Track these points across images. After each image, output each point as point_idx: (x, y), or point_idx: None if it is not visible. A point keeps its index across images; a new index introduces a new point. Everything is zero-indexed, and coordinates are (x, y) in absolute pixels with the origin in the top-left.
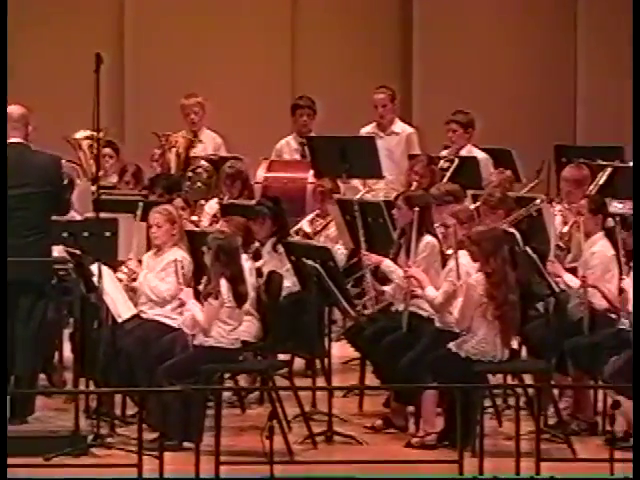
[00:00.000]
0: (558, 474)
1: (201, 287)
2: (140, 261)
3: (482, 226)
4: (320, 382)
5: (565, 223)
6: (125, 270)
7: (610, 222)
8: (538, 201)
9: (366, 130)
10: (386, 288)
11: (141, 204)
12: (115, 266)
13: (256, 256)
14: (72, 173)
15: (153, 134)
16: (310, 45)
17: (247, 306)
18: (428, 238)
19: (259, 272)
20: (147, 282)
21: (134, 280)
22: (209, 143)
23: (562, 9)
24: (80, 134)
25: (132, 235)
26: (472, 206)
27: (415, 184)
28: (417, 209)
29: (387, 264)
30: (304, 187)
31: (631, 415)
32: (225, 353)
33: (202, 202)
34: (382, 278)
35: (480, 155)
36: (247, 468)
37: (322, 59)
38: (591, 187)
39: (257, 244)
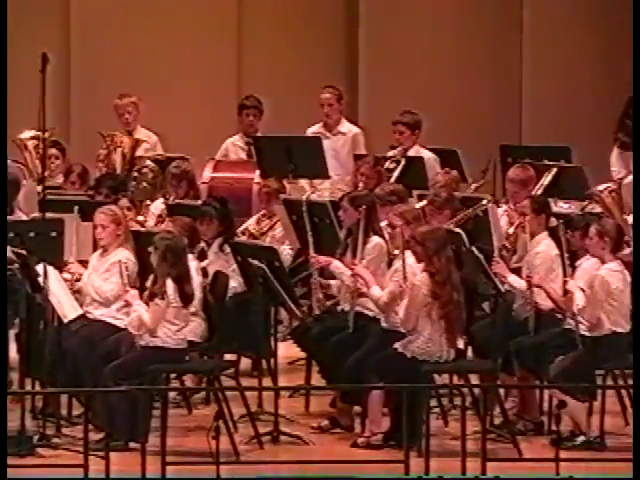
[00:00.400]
0: (504, 474)
1: (147, 286)
2: (81, 262)
3: (426, 226)
4: (266, 382)
5: (511, 224)
6: (71, 270)
7: (554, 222)
8: (484, 201)
9: (313, 130)
10: (332, 282)
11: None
12: (61, 266)
13: (201, 256)
14: (18, 174)
15: (98, 134)
16: (256, 45)
17: (195, 306)
18: (376, 239)
19: (204, 272)
20: (91, 282)
21: (77, 281)
22: None
23: (508, 10)
24: (26, 134)
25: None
26: (418, 206)
27: (361, 185)
28: (362, 209)
29: (336, 265)
30: (250, 187)
31: (576, 415)
32: (171, 353)
33: (148, 202)
34: (328, 277)
35: (427, 155)
36: (193, 468)
37: (268, 59)
38: (536, 187)
39: (202, 244)
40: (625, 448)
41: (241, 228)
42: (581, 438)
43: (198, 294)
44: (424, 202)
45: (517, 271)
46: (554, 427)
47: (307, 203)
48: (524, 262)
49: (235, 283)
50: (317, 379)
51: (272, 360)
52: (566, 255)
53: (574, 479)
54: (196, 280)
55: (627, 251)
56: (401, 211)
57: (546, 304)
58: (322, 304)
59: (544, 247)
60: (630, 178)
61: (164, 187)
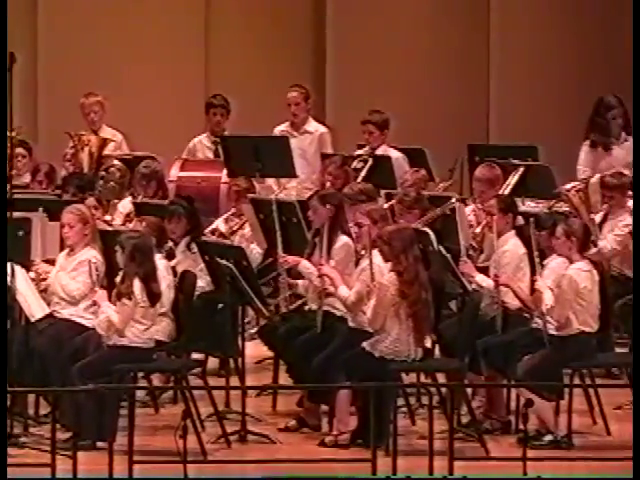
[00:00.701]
0: (471, 474)
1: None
2: (47, 261)
3: (392, 225)
4: (234, 381)
5: (478, 223)
6: (38, 270)
7: (520, 220)
8: (453, 200)
9: (280, 129)
10: (299, 282)
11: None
12: (28, 266)
13: (169, 256)
14: None
15: (65, 134)
16: (224, 44)
17: (165, 306)
18: (344, 239)
19: (173, 271)
20: (58, 280)
21: (44, 280)
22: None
23: (475, 10)
24: None
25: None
26: (386, 205)
27: (329, 185)
28: (331, 207)
29: (304, 265)
30: (218, 186)
31: (543, 414)
32: (139, 352)
33: (115, 201)
34: (296, 276)
35: (395, 154)
36: (161, 467)
37: (236, 58)
38: (504, 186)
39: (170, 243)
40: (592, 447)
41: (210, 227)
42: (548, 437)
43: (169, 293)
44: (393, 201)
45: (484, 270)
46: (521, 426)
47: (276, 202)
48: (492, 261)
49: (203, 282)
50: (284, 378)
51: (239, 359)
52: (535, 254)
53: (542, 479)
54: (167, 279)
55: (594, 250)
56: (368, 210)
57: (514, 303)
58: (289, 303)
59: (511, 246)
60: (597, 177)
61: (132, 186)
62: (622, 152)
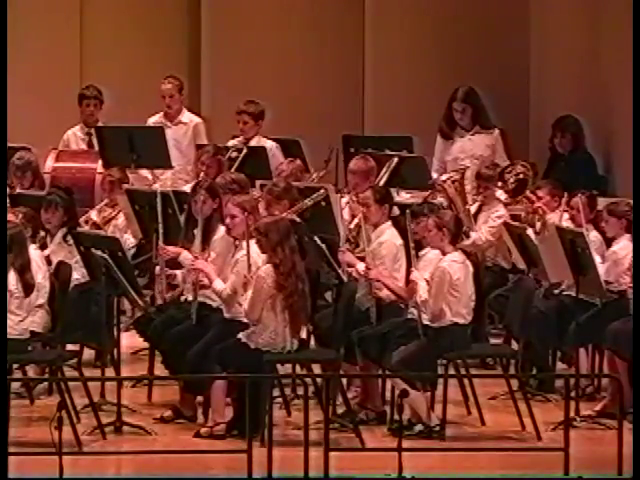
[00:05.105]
0: (347, 465)
1: None
2: None
3: (268, 217)
4: (109, 372)
5: (353, 216)
6: None
7: (396, 211)
8: (322, 190)
9: (153, 120)
10: (177, 272)
11: None
12: None
13: (42, 246)
14: None
15: None
16: (98, 35)
17: (43, 297)
18: (224, 230)
19: (48, 261)
20: None
21: None
22: None
23: (351, 2)
24: None
25: None
26: (258, 195)
27: (202, 175)
28: (218, 200)
29: (185, 256)
30: (93, 177)
31: (416, 404)
32: (14, 344)
33: None
34: (173, 267)
35: (269, 144)
36: (36, 459)
37: (110, 49)
38: (378, 177)
39: (43, 233)
40: (467, 437)
41: (84, 217)
42: (418, 427)
43: (45, 284)
44: (262, 192)
45: (363, 260)
46: (396, 416)
47: (150, 193)
48: (368, 252)
49: (79, 274)
50: (160, 369)
51: (115, 350)
52: (412, 245)
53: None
54: (42, 270)
55: (468, 242)
56: (239, 201)
57: (388, 294)
58: (166, 294)
59: (388, 237)
60: (472, 169)
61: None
62: (468, 144)
